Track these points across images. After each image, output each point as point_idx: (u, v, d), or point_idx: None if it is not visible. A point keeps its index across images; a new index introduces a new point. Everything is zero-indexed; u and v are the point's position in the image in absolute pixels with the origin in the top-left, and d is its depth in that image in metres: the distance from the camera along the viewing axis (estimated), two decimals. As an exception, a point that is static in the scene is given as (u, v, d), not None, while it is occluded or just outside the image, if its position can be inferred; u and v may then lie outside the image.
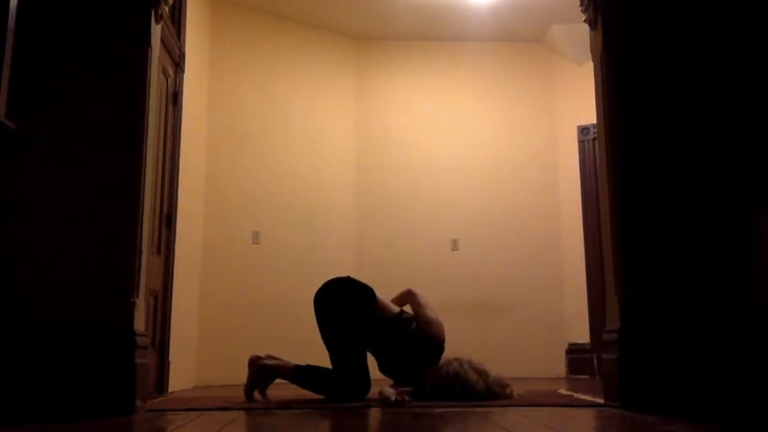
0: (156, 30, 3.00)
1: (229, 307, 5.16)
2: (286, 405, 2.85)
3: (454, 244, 6.02)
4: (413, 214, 6.10)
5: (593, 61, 3.09)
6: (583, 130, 5.93)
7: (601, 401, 2.82)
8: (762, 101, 2.81)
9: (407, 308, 3.42)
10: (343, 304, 3.20)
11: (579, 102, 5.81)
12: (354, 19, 6.03)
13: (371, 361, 3.20)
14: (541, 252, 6.06)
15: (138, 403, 2.64)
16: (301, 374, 3.16)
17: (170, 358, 3.90)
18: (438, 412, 2.63)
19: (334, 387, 3.11)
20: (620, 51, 2.92)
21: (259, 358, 3.20)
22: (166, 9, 3.10)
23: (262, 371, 3.16)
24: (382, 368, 3.36)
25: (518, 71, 6.42)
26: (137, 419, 2.47)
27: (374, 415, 2.54)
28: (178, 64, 4.19)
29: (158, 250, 3.72)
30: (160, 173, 3.68)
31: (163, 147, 3.80)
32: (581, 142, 5.96)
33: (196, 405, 2.89)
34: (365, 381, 3.14)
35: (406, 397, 2.87)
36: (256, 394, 3.14)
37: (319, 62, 6.13)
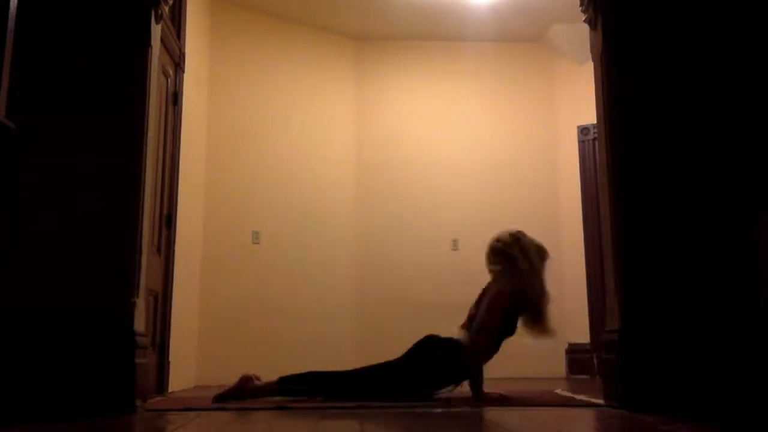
0: (156, 30, 3.00)
1: (229, 307, 5.16)
2: (284, 405, 2.85)
3: (454, 244, 6.02)
4: (413, 214, 6.10)
5: (593, 61, 3.08)
6: (583, 130, 5.93)
7: (601, 401, 2.82)
8: (763, 100, 2.81)
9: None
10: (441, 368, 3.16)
11: (579, 102, 5.81)
12: (354, 19, 6.03)
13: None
14: (541, 252, 6.05)
15: (138, 403, 2.64)
16: (290, 383, 3.09)
17: (170, 358, 3.89)
18: (438, 412, 2.63)
19: (345, 384, 3.08)
20: (620, 51, 2.92)
21: (250, 379, 3.11)
22: (166, 9, 3.10)
23: (250, 394, 3.07)
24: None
25: (518, 71, 6.41)
26: (137, 419, 2.47)
27: (373, 415, 2.54)
28: (178, 64, 4.19)
29: (158, 250, 3.72)
30: (160, 173, 3.68)
31: (163, 147, 3.80)
32: (581, 142, 5.95)
33: (196, 405, 2.89)
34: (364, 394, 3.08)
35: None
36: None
37: (319, 62, 6.13)
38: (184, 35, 4.35)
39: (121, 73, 2.82)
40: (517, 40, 6.34)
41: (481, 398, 3.03)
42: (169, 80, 3.96)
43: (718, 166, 2.79)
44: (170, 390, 3.89)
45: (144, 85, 2.83)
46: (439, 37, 6.33)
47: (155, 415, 2.61)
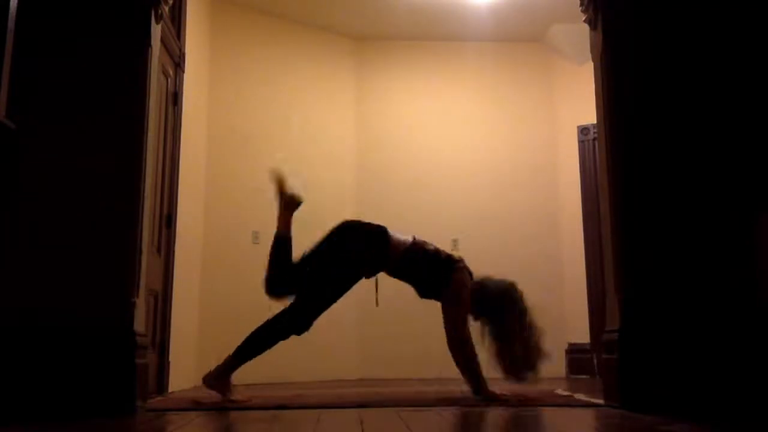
0: (156, 30, 3.00)
1: (229, 307, 5.16)
2: (284, 405, 2.85)
3: (455, 244, 6.01)
4: (413, 214, 6.09)
5: (593, 61, 3.08)
6: (583, 130, 5.93)
7: (601, 401, 2.82)
8: (763, 100, 2.81)
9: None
10: (359, 245, 3.22)
11: (579, 102, 5.81)
12: (354, 19, 6.03)
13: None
14: (541, 252, 6.06)
15: (138, 403, 2.64)
16: (242, 351, 3.08)
17: (170, 358, 3.90)
18: (437, 411, 2.63)
19: (280, 323, 3.11)
20: (620, 51, 2.92)
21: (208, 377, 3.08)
22: (166, 9, 3.11)
23: (219, 385, 3.03)
24: (421, 295, 3.35)
25: (518, 71, 6.42)
26: (137, 419, 2.47)
27: (371, 415, 2.54)
28: (178, 64, 4.19)
29: (158, 250, 3.72)
30: (160, 173, 3.68)
31: (163, 147, 3.80)
32: (581, 142, 5.95)
33: (196, 405, 2.89)
34: (308, 326, 3.14)
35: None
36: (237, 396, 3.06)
37: (319, 62, 6.13)
38: (184, 35, 4.35)
39: (121, 73, 2.82)
40: (517, 40, 6.34)
41: (490, 397, 3.00)
42: (169, 80, 3.96)
43: (718, 165, 2.80)
44: (170, 390, 3.89)
45: (144, 85, 2.83)
46: (439, 37, 6.33)
47: (155, 415, 2.61)
